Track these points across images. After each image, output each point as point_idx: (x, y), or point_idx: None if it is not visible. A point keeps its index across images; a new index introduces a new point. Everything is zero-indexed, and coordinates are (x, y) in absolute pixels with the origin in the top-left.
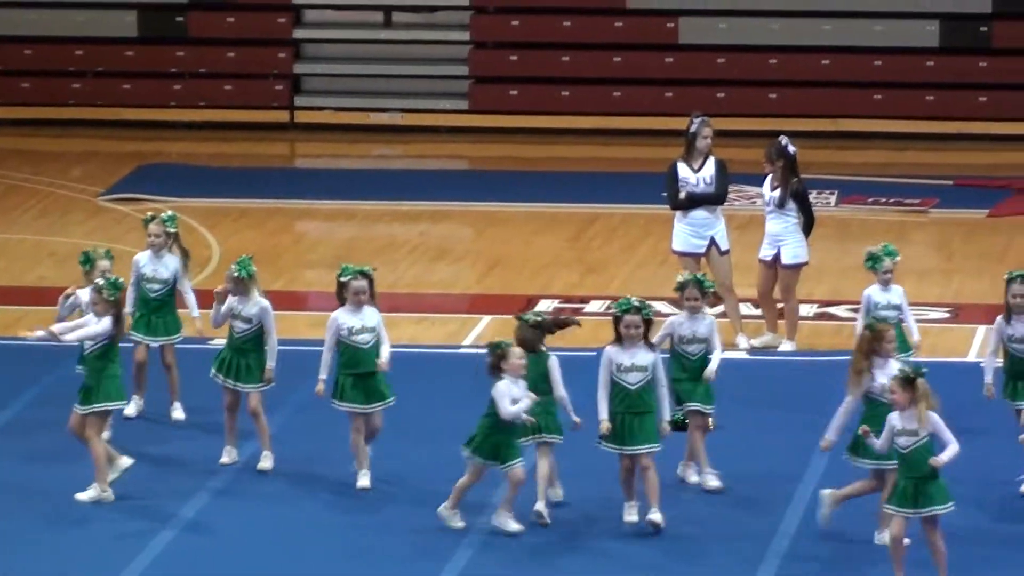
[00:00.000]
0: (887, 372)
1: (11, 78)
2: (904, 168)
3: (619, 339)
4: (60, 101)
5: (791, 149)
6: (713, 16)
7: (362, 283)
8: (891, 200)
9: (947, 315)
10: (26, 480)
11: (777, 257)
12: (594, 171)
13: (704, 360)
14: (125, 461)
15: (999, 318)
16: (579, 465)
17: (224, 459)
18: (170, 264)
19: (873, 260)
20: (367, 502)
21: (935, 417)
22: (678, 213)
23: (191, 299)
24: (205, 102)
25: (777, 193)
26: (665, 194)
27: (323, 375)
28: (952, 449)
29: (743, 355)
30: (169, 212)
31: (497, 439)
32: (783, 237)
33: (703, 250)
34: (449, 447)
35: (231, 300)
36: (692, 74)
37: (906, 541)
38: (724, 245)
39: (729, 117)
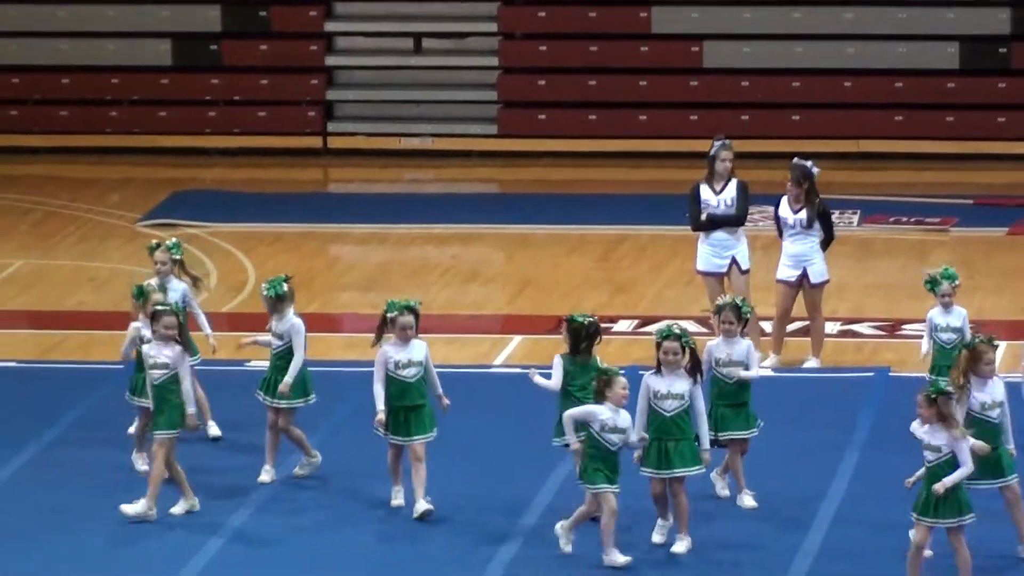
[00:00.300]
0: (988, 391)
1: (49, 107)
2: (925, 188)
3: (658, 365)
4: (97, 129)
5: (815, 170)
6: (736, 40)
7: (409, 319)
8: (912, 219)
9: (970, 332)
10: (72, 500)
11: (804, 277)
12: (621, 193)
13: (740, 384)
14: (191, 502)
15: None
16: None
17: (263, 477)
18: (177, 289)
19: (932, 283)
20: (402, 520)
21: (961, 438)
22: (700, 234)
23: (203, 320)
24: (239, 129)
25: (803, 215)
26: (687, 215)
27: (380, 406)
28: (960, 473)
29: (768, 372)
30: (174, 239)
31: (598, 465)
32: (809, 257)
33: (725, 270)
34: (479, 466)
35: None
36: (716, 97)
37: (927, 552)
38: (745, 264)
39: (753, 139)
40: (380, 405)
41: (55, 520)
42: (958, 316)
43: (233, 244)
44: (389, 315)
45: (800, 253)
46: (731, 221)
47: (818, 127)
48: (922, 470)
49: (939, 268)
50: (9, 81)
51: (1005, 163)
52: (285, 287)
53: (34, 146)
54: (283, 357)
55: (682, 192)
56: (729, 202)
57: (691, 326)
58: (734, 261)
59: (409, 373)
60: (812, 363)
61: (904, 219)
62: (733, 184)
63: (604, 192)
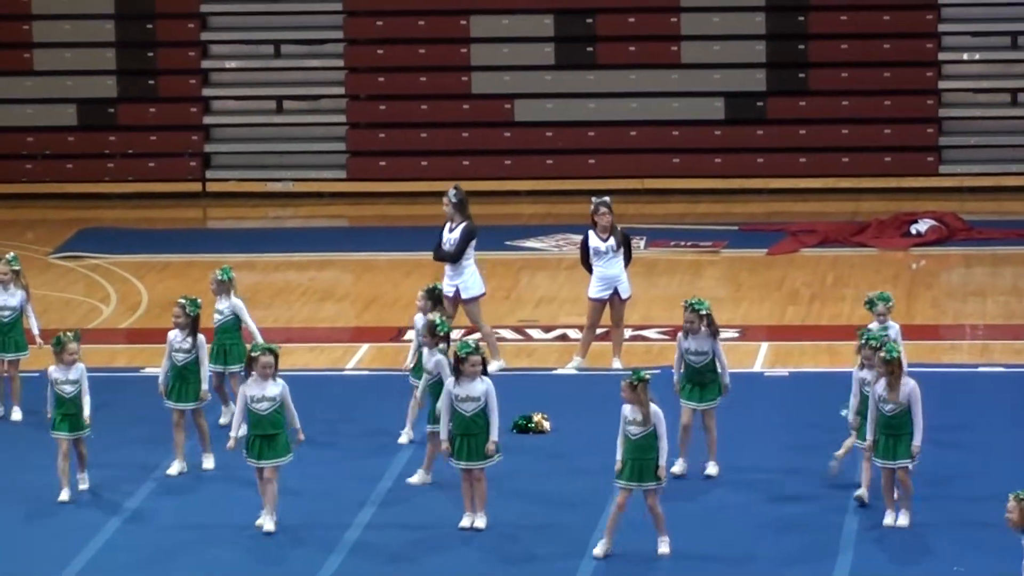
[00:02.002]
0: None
1: None
2: (698, 217)
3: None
4: (15, 178)
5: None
6: (542, 98)
7: (269, 359)
8: (689, 243)
9: (736, 335)
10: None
11: (614, 294)
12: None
13: None
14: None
15: None
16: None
17: (171, 471)
18: (16, 294)
19: (870, 303)
20: (276, 545)
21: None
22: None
23: (34, 321)
24: (133, 176)
25: (613, 241)
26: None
27: (233, 434)
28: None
29: (573, 372)
30: (12, 253)
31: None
32: (618, 277)
33: (451, 294)
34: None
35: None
36: (526, 145)
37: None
38: (464, 294)
39: (557, 179)
40: (233, 432)
41: None
42: (893, 330)
43: (129, 272)
44: (252, 354)
45: (614, 275)
46: (447, 257)
47: (610, 168)
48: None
49: (877, 292)
50: None
51: (764, 196)
52: (233, 274)
53: None
54: (228, 329)
55: (500, 224)
56: (453, 241)
57: (508, 333)
58: (457, 290)
59: (262, 407)
60: (617, 364)
61: (682, 243)
62: (460, 228)
63: (434, 224)
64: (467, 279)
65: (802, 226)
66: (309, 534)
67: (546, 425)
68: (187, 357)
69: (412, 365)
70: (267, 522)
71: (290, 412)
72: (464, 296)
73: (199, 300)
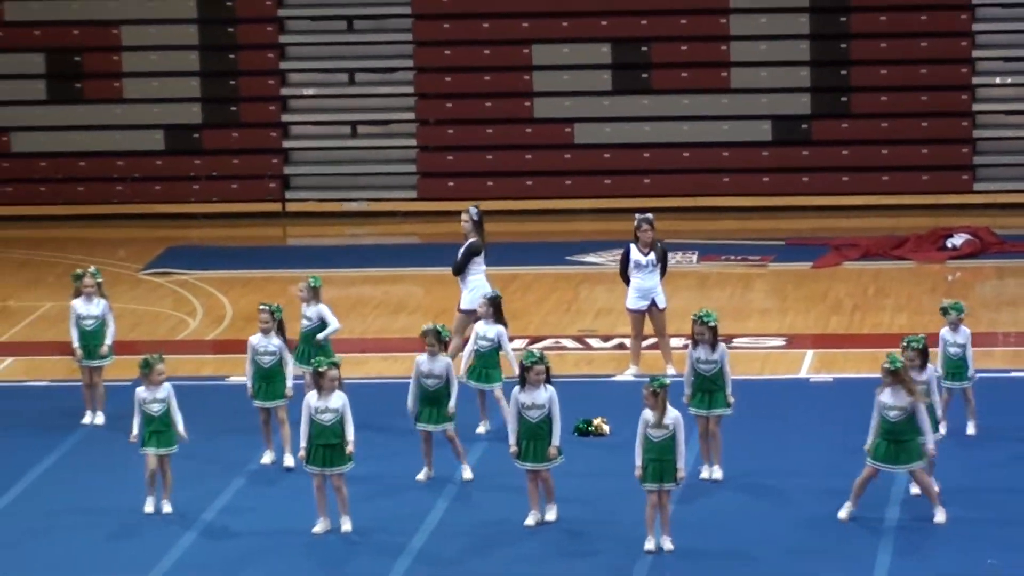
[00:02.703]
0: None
1: (68, 184)
2: (747, 233)
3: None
4: (107, 200)
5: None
6: (600, 122)
7: (335, 372)
8: (739, 257)
9: (783, 343)
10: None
11: (652, 305)
12: (514, 241)
13: None
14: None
15: None
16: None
17: (264, 460)
18: (100, 304)
19: (944, 311)
20: (343, 551)
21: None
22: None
23: (111, 330)
24: (217, 198)
25: (653, 256)
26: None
27: (303, 443)
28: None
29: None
30: (94, 267)
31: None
32: (656, 289)
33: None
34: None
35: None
36: (585, 166)
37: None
38: (462, 304)
39: (614, 198)
40: (303, 442)
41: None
42: (963, 335)
43: (214, 287)
44: (319, 369)
45: (651, 287)
46: (455, 269)
47: (664, 188)
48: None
49: (952, 301)
50: (38, 165)
51: (809, 213)
52: (320, 283)
53: (58, 215)
54: (313, 331)
55: (561, 240)
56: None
57: (569, 343)
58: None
59: (326, 418)
60: (671, 370)
61: (732, 257)
62: (466, 244)
63: (501, 240)
64: (468, 292)
65: (845, 241)
66: (376, 538)
67: (606, 428)
68: (272, 359)
69: (468, 367)
70: (345, 523)
71: (348, 423)
72: (463, 306)
73: (281, 306)
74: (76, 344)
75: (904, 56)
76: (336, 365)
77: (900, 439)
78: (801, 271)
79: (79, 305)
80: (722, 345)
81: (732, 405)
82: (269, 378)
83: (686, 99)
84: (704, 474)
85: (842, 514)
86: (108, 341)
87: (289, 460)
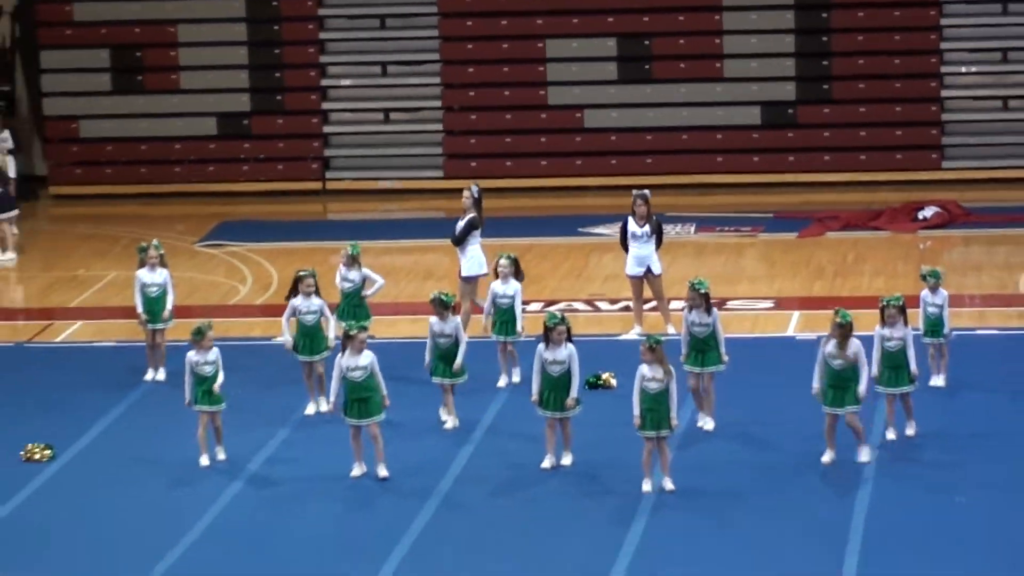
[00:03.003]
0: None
1: (131, 166)
2: (740, 207)
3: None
4: (166, 180)
5: (649, 195)
6: (607, 108)
7: (365, 335)
8: (732, 229)
9: (771, 305)
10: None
11: (648, 271)
12: (530, 215)
13: None
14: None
15: None
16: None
17: (308, 411)
18: (162, 274)
19: (923, 277)
20: (377, 496)
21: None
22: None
23: (171, 297)
24: (264, 177)
25: (648, 228)
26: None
27: (332, 398)
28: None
29: (635, 337)
30: (156, 240)
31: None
32: (651, 257)
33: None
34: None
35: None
36: (593, 148)
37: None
38: (463, 272)
39: (620, 176)
40: (332, 397)
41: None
42: (941, 297)
43: (262, 257)
44: (349, 332)
45: (646, 255)
46: (454, 240)
47: (664, 167)
48: None
49: (931, 268)
50: (104, 149)
51: (794, 189)
52: (359, 250)
53: (122, 193)
54: (355, 294)
55: (572, 214)
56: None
57: (580, 305)
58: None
59: (356, 375)
60: (671, 330)
61: (726, 228)
62: (467, 217)
63: (519, 215)
64: (467, 261)
65: (826, 213)
66: (407, 482)
67: (613, 382)
68: (314, 318)
69: (491, 325)
70: (381, 469)
71: (378, 379)
72: (463, 274)
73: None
74: (140, 309)
75: (879, 48)
76: (364, 328)
77: (842, 386)
78: (787, 240)
79: (144, 274)
80: (715, 309)
81: (727, 363)
82: (311, 335)
83: (684, 88)
84: (700, 423)
85: (825, 459)
86: (168, 306)
87: (324, 405)
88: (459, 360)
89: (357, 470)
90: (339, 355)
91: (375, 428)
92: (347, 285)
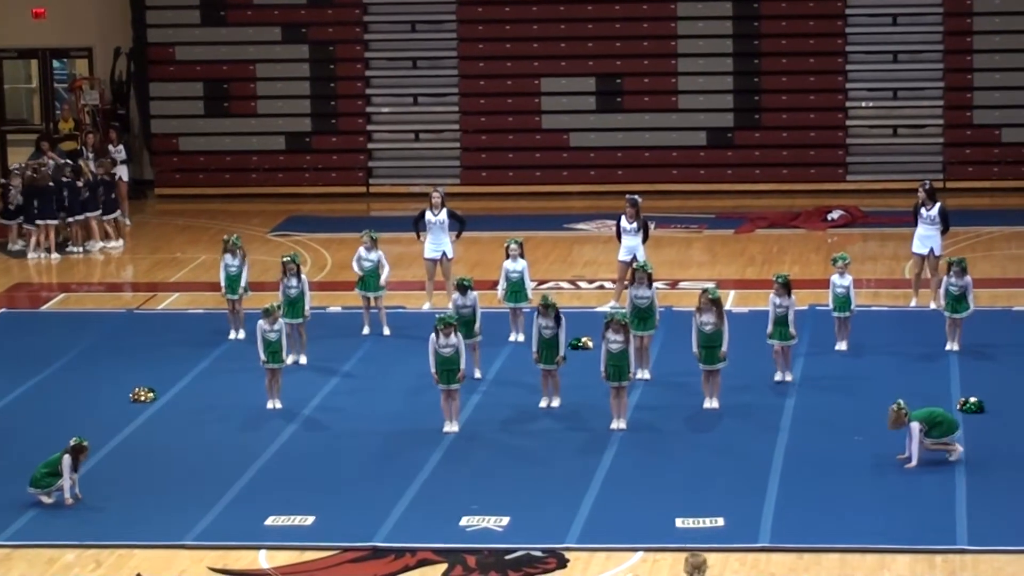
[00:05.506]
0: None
1: (218, 173)
2: (689, 209)
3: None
4: (245, 184)
5: (639, 200)
6: (587, 131)
7: (450, 329)
8: (682, 226)
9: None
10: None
11: (633, 259)
12: (526, 214)
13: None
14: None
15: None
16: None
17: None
18: (239, 257)
19: (834, 261)
20: (392, 443)
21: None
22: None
23: (245, 274)
24: (322, 183)
25: (636, 224)
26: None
27: (433, 369)
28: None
29: (608, 309)
30: (236, 235)
31: None
32: (637, 247)
33: (438, 256)
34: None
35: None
36: (577, 162)
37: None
38: (450, 254)
39: (597, 184)
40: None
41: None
42: (847, 280)
43: (319, 245)
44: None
45: (632, 246)
46: (452, 227)
47: (631, 178)
48: None
49: (840, 253)
50: (198, 159)
51: (732, 195)
52: (377, 236)
53: (211, 194)
54: (372, 272)
55: (559, 213)
56: (443, 220)
57: (564, 284)
58: (444, 253)
59: (447, 351)
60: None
61: (678, 226)
62: (446, 211)
63: (518, 213)
64: (452, 246)
65: (756, 215)
66: (429, 422)
67: (590, 344)
68: (371, 265)
69: (503, 295)
70: (453, 425)
71: (461, 354)
72: (450, 256)
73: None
74: (223, 284)
75: (798, 87)
76: (453, 326)
77: (711, 346)
78: (726, 236)
79: (227, 258)
80: (655, 285)
81: (657, 327)
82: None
83: (647, 116)
84: (640, 375)
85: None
86: (243, 283)
87: (303, 359)
88: (477, 325)
89: (448, 427)
90: (431, 336)
91: (455, 393)
92: (367, 264)
